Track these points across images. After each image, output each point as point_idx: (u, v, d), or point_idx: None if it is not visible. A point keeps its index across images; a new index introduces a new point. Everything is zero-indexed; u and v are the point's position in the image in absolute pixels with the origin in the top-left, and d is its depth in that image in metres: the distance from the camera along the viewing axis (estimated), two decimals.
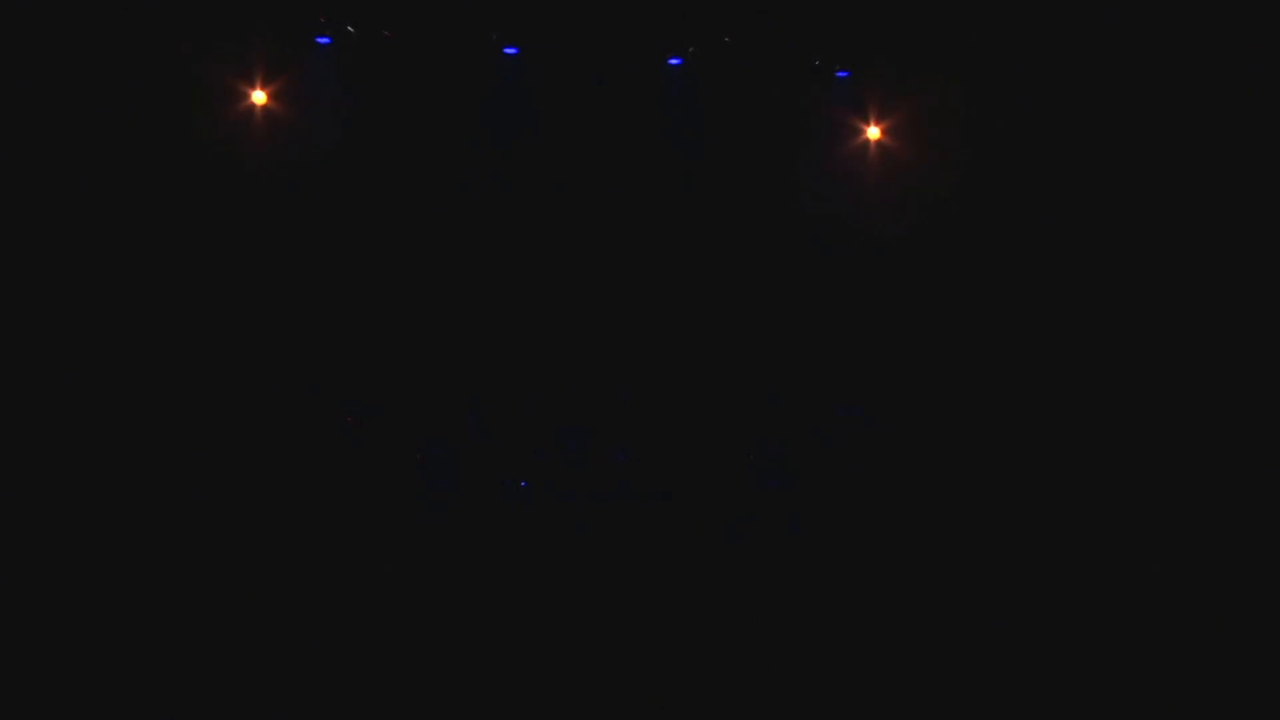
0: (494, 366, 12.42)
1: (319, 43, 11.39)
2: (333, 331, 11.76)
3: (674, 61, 12.05)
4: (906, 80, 11.60)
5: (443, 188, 12.27)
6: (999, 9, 10.50)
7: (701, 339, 12.48)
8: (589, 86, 12.18)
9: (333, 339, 11.76)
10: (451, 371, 12.30)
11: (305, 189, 11.41)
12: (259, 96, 11.29)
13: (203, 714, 4.41)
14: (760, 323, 12.46)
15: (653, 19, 11.30)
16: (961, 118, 11.33)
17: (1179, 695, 6.86)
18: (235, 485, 9.61)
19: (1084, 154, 10.74)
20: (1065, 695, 7.07)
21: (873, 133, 12.29)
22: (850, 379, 12.25)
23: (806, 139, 12.48)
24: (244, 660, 4.27)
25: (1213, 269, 10.09)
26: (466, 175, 12.35)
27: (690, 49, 11.87)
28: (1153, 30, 9.92)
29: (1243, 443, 9.53)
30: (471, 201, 12.41)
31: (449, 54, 11.69)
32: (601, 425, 12.08)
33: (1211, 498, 8.93)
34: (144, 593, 5.07)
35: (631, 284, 12.77)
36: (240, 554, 5.59)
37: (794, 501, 10.83)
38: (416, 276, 12.24)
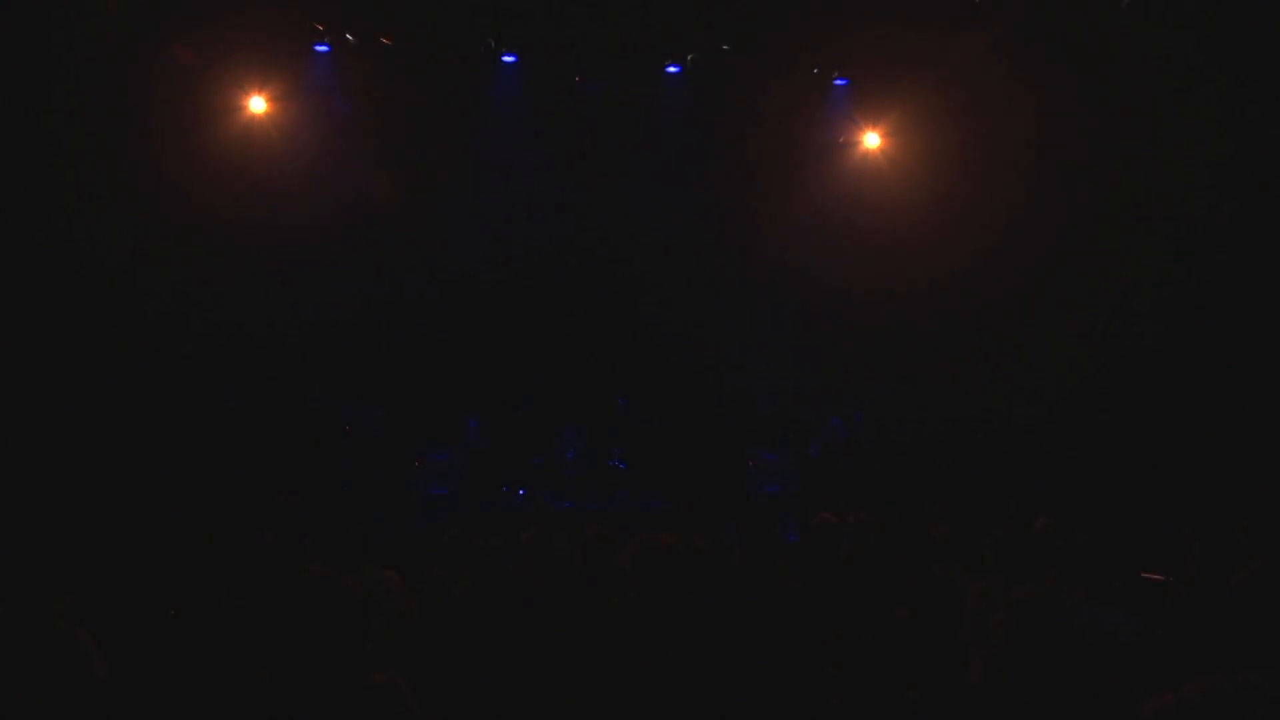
0: (492, 372, 12.41)
1: (318, 50, 11.39)
2: (331, 336, 11.75)
3: (673, 69, 12.06)
4: (904, 86, 11.58)
5: (441, 192, 12.28)
6: (995, 16, 10.48)
7: (700, 343, 12.46)
8: (588, 93, 12.18)
9: (331, 344, 11.74)
10: (450, 377, 12.29)
11: (304, 194, 11.38)
12: (258, 104, 11.30)
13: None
14: (760, 326, 12.45)
15: (652, 27, 11.27)
16: (959, 123, 11.31)
17: None
18: (234, 486, 9.59)
19: (1081, 157, 10.72)
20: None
21: (871, 139, 12.30)
22: (849, 383, 12.24)
23: (804, 144, 12.50)
24: (233, 665, 4.22)
25: (1209, 273, 10.07)
26: (465, 180, 12.37)
27: (689, 56, 11.86)
28: (1148, 32, 9.91)
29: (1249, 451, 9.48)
30: (471, 205, 12.43)
31: (447, 61, 11.69)
32: (599, 431, 12.07)
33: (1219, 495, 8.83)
34: (133, 592, 5.04)
35: (629, 288, 12.77)
36: (234, 554, 5.56)
37: (792, 506, 10.79)
38: (414, 282, 12.25)
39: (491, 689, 4.15)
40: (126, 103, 10.31)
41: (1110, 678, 3.87)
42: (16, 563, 4.19)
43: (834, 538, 6.17)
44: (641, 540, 4.90)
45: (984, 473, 10.48)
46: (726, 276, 12.58)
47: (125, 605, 4.82)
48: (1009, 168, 11.06)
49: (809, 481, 11.21)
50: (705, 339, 12.44)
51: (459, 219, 12.39)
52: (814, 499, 10.25)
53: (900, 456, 11.37)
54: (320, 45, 11.34)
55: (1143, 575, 5.83)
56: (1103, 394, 10.49)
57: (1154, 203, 10.34)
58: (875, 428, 11.92)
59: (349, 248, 11.82)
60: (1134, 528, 6.96)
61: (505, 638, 4.20)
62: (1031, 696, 3.23)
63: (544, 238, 12.68)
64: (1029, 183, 10.98)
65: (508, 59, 11.83)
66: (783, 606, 5.01)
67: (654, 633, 4.41)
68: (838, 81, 12.22)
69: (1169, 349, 10.16)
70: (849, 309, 12.22)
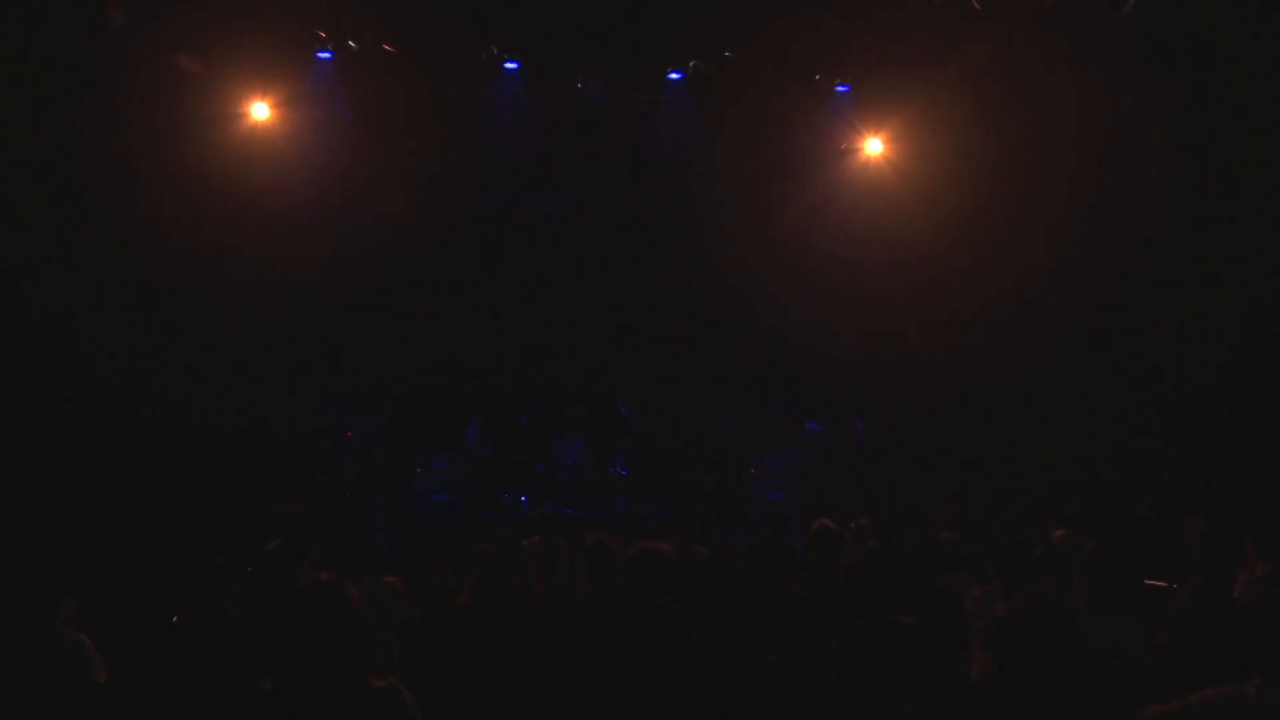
0: (494, 378, 12.40)
1: (320, 57, 11.40)
2: (332, 342, 11.74)
3: (675, 75, 12.05)
4: (906, 92, 11.58)
5: (442, 197, 12.28)
6: (995, 23, 10.48)
7: (701, 350, 12.45)
8: (589, 99, 12.18)
9: (332, 349, 11.74)
10: (451, 383, 12.28)
11: (306, 200, 11.38)
12: (261, 110, 11.30)
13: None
14: (761, 332, 12.44)
15: (654, 33, 11.28)
16: (960, 129, 11.31)
17: None
18: (235, 492, 9.59)
19: (1080, 163, 10.72)
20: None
21: (873, 145, 12.30)
22: (850, 389, 12.21)
23: (806, 150, 12.50)
24: (234, 670, 4.20)
25: (1208, 275, 10.07)
26: (466, 185, 12.37)
27: (691, 63, 11.85)
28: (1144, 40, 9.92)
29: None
30: (472, 210, 12.44)
31: (449, 67, 11.69)
32: (600, 438, 12.05)
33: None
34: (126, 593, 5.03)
35: (630, 295, 12.76)
36: (237, 560, 5.56)
37: (794, 513, 10.76)
38: (416, 288, 12.25)
39: (493, 694, 4.14)
40: (126, 107, 10.32)
41: (1114, 683, 3.85)
42: (19, 567, 4.19)
43: (832, 544, 6.18)
44: (640, 547, 4.90)
45: (987, 480, 10.46)
46: (727, 281, 12.57)
47: (127, 611, 4.82)
48: (1011, 173, 11.06)
49: (806, 487, 11.21)
50: (706, 343, 12.42)
51: (460, 223, 12.38)
52: (810, 505, 10.23)
53: (902, 463, 11.33)
54: (323, 52, 11.35)
55: (1146, 582, 5.81)
56: (1105, 398, 10.48)
57: (1156, 204, 10.35)
58: (876, 435, 11.90)
59: (349, 251, 11.81)
60: (1140, 534, 6.93)
61: (507, 643, 4.19)
62: (1033, 700, 3.21)
63: (544, 242, 12.67)
64: (1029, 188, 10.99)
65: (509, 65, 11.84)
66: (784, 610, 5.00)
67: (654, 636, 4.40)
68: (839, 88, 12.22)
69: (1170, 351, 10.16)
70: (850, 313, 12.19)
